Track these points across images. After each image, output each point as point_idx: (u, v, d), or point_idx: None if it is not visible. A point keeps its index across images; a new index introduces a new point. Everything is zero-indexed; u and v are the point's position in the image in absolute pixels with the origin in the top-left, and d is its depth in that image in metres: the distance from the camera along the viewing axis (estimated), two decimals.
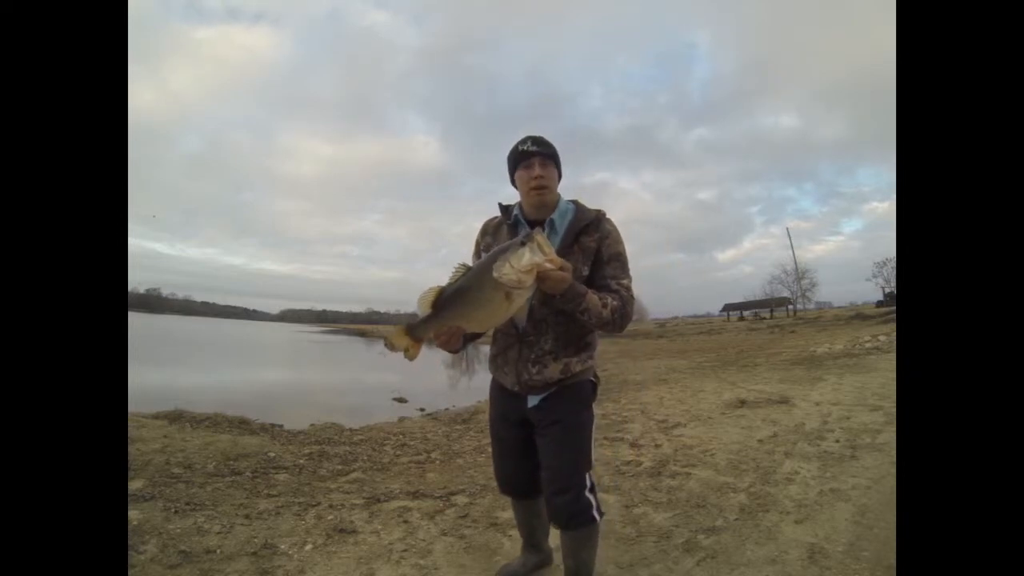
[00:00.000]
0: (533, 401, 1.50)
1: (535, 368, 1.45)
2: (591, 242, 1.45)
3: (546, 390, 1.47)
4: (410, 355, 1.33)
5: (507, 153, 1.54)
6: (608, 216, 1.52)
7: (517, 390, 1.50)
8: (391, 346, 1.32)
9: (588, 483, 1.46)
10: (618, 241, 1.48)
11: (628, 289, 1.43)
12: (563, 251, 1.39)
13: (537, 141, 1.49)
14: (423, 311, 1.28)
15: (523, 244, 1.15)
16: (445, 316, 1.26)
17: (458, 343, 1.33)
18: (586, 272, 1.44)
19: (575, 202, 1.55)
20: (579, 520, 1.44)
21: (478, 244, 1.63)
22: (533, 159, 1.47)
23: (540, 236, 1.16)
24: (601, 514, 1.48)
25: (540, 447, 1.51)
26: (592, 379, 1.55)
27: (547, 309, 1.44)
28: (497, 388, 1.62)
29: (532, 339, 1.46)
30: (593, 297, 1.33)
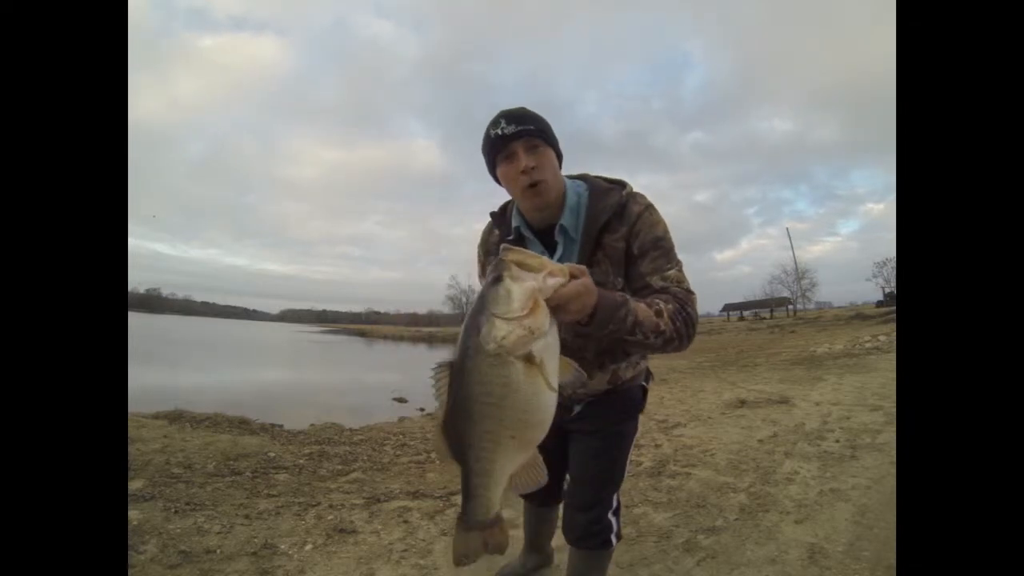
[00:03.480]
0: (576, 410, 1.30)
1: None
2: (618, 240, 1.09)
3: (592, 398, 1.28)
4: (495, 548, 0.89)
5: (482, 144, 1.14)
6: (634, 191, 1.16)
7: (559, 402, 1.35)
8: (467, 559, 0.89)
9: (614, 504, 1.30)
10: (653, 224, 1.10)
11: (680, 283, 1.05)
12: (586, 263, 1.04)
13: (514, 117, 1.08)
14: (444, 457, 0.84)
15: (498, 280, 0.77)
16: (481, 456, 0.80)
17: (546, 484, 0.86)
18: (621, 282, 1.09)
19: (586, 180, 1.17)
20: (594, 542, 1.29)
21: (481, 263, 1.32)
22: (514, 145, 1.07)
23: (512, 253, 0.79)
24: (619, 538, 1.32)
25: (572, 454, 1.32)
26: (643, 384, 1.33)
27: (583, 339, 1.12)
28: None
29: (571, 350, 1.14)
30: (639, 305, 0.95)
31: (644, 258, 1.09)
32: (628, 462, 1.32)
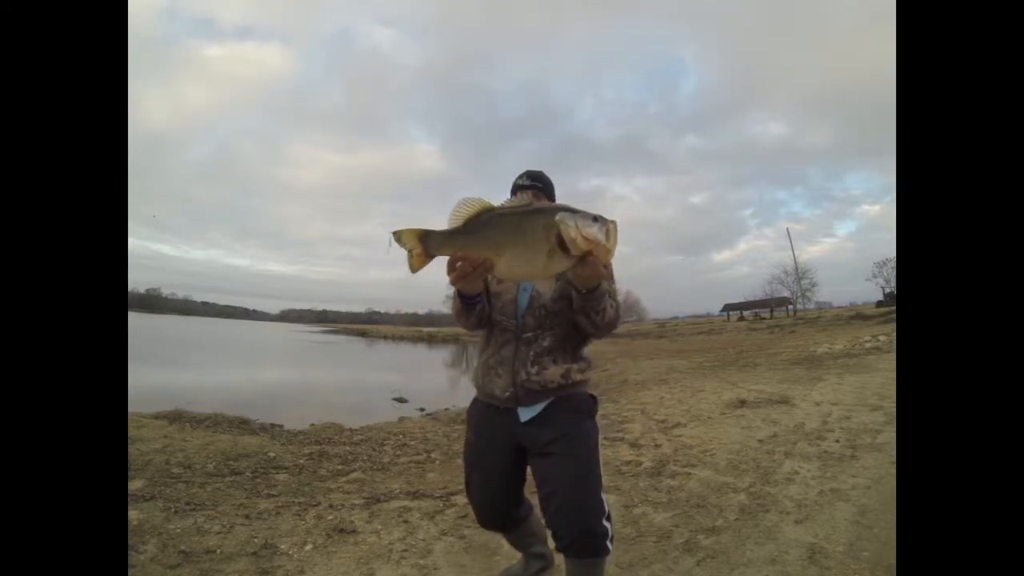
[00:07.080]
0: (526, 415, 1.37)
1: (534, 368, 1.36)
2: None
3: (543, 398, 1.37)
4: (413, 263, 1.12)
5: (509, 176, 1.60)
6: None
7: (507, 396, 1.38)
8: (399, 241, 1.11)
9: (605, 509, 1.32)
10: None
11: (614, 296, 1.38)
12: None
13: (532, 176, 1.59)
14: (454, 223, 1.09)
15: (596, 220, 1.05)
16: (478, 236, 1.08)
17: (479, 284, 1.23)
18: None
19: None
20: (592, 551, 1.30)
21: None
22: (526, 193, 1.55)
23: (614, 226, 1.08)
24: (612, 543, 1.34)
25: (542, 469, 1.36)
26: (592, 393, 1.47)
27: (555, 305, 1.39)
28: (481, 410, 1.49)
29: (531, 335, 1.39)
30: (610, 304, 1.30)
31: None
32: (600, 462, 1.37)
